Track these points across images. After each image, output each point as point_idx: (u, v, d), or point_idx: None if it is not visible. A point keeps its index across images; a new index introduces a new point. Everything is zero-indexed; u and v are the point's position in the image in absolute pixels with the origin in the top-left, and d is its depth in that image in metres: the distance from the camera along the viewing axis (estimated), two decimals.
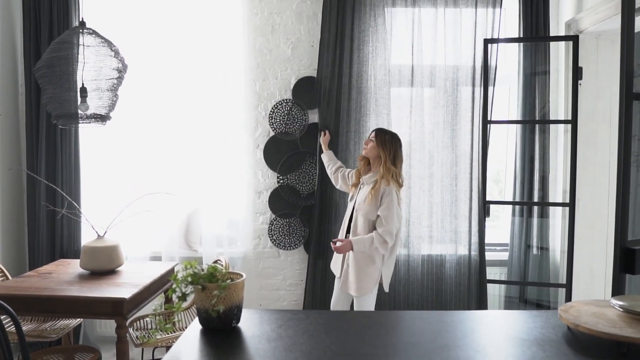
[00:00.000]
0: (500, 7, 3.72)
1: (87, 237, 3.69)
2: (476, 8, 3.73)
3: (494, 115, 3.72)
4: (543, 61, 3.75)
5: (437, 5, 3.77)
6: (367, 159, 3.28)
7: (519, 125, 3.82)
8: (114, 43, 3.12)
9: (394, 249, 3.23)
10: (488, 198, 3.71)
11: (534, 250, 3.83)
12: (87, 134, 3.99)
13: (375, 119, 3.83)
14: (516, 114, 3.82)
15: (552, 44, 3.77)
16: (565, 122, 3.66)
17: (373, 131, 3.28)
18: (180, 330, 3.30)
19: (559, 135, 3.84)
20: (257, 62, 3.98)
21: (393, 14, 3.82)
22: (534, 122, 3.79)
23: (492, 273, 3.90)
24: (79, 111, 3.02)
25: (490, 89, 3.65)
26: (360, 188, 3.29)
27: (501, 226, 4.21)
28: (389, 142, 3.18)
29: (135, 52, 3.82)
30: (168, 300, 3.23)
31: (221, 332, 1.78)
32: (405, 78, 3.83)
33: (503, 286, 3.96)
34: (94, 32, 3.07)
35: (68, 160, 3.90)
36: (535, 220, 3.83)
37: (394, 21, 3.82)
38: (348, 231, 3.26)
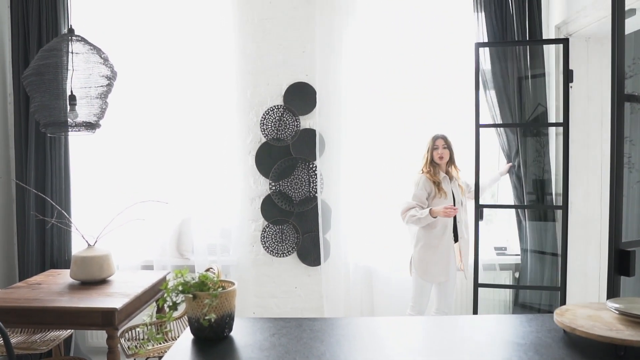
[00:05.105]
0: (491, 11, 3.72)
1: (77, 247, 3.65)
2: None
3: (486, 119, 3.72)
4: (534, 64, 3.75)
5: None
6: (436, 164, 3.59)
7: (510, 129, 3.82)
8: (104, 50, 3.10)
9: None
10: (481, 202, 3.70)
11: (528, 254, 3.82)
12: (77, 142, 3.96)
13: (367, 124, 3.81)
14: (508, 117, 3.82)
15: (543, 47, 3.78)
16: (557, 124, 3.66)
17: (441, 138, 3.56)
18: (172, 340, 3.26)
19: (550, 138, 3.84)
20: (248, 68, 3.96)
21: (384, 19, 3.82)
22: (525, 125, 3.79)
23: (485, 277, 3.88)
24: (68, 119, 2.98)
25: (481, 92, 3.65)
26: (445, 185, 3.58)
27: (494, 230, 4.20)
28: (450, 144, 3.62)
29: (126, 60, 3.80)
30: (160, 309, 3.19)
31: (213, 342, 1.75)
32: (397, 83, 3.82)
33: (497, 290, 3.94)
34: (83, 39, 3.04)
35: (58, 169, 3.85)
36: (528, 223, 3.82)
37: (385, 26, 3.81)
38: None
